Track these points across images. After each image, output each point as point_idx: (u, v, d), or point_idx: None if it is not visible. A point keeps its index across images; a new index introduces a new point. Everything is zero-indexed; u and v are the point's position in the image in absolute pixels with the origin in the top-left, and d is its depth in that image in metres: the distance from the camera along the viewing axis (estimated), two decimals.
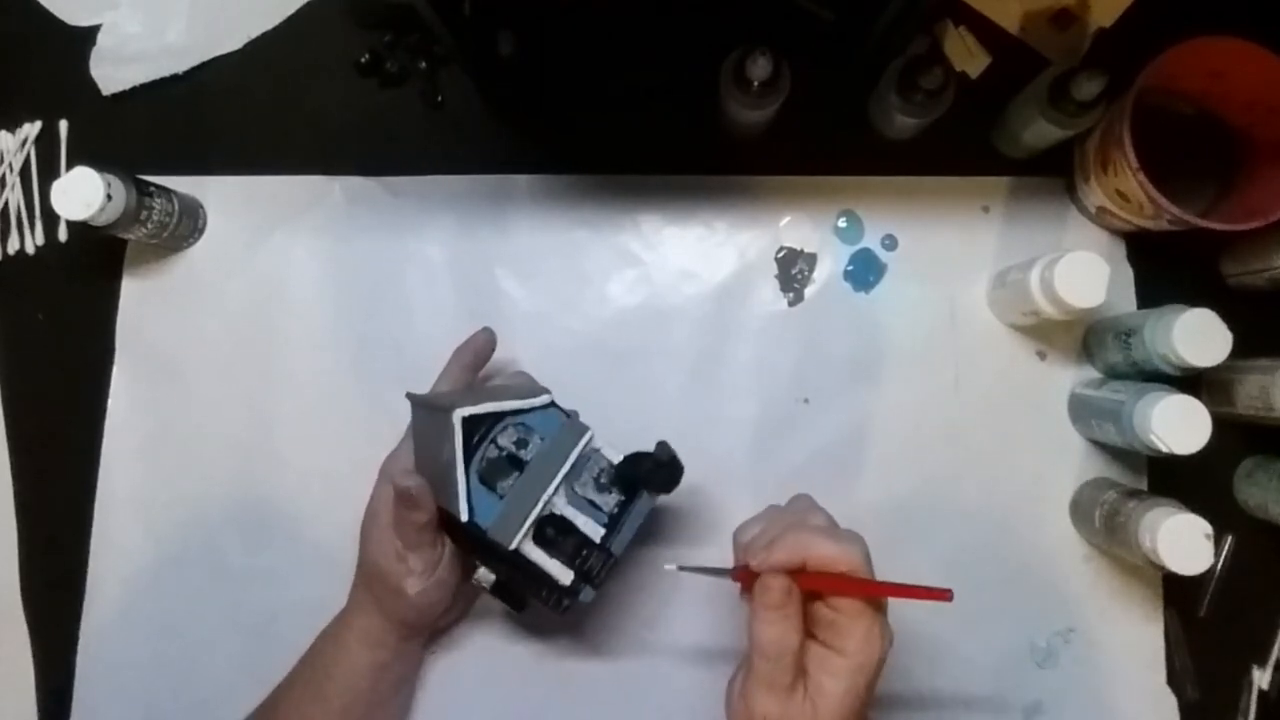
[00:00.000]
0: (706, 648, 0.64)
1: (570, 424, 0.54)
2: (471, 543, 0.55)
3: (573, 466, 0.52)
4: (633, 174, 0.69)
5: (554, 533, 0.51)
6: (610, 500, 0.53)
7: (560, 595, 0.52)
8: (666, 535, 0.65)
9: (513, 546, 0.50)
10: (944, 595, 0.44)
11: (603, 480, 0.53)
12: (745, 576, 0.48)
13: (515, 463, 0.52)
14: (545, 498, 0.51)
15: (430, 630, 0.62)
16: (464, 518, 0.50)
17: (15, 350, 0.71)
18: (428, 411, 0.57)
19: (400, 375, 0.68)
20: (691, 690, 0.63)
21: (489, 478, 0.52)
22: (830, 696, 0.44)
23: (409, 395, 0.59)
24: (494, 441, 0.52)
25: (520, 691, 0.64)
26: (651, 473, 0.52)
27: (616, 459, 0.53)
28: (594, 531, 0.52)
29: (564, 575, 0.50)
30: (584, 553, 0.51)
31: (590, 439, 0.53)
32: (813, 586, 0.46)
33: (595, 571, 0.51)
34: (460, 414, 0.51)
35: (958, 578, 0.63)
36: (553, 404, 0.54)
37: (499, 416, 0.53)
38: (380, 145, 0.70)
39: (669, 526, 0.66)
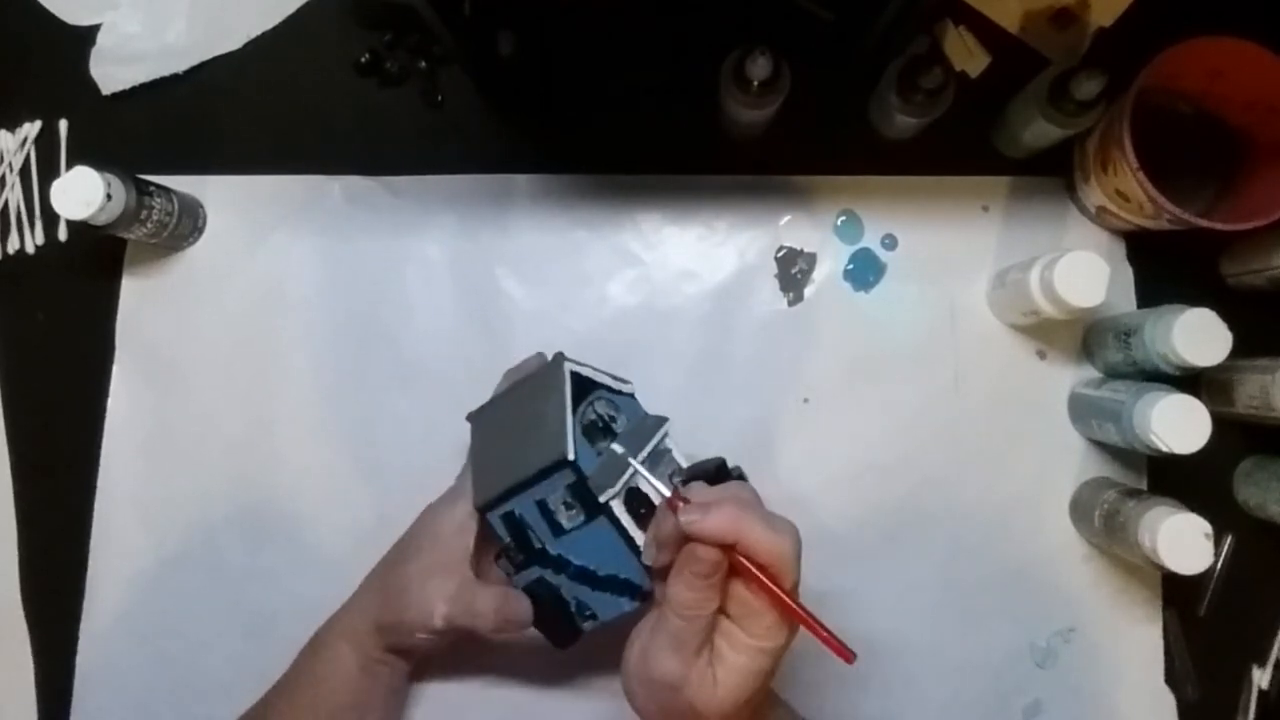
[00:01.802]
0: None
1: (650, 415, 0.55)
2: (528, 547, 0.54)
3: (651, 454, 0.52)
4: (633, 174, 0.69)
5: (638, 507, 0.51)
6: None
7: (632, 590, 0.52)
8: None
9: (612, 494, 0.49)
10: (848, 656, 0.43)
11: (674, 480, 0.53)
12: (672, 507, 0.46)
13: (610, 432, 0.53)
14: (636, 463, 0.50)
15: (414, 653, 0.60)
16: (570, 455, 0.49)
17: (15, 350, 0.71)
18: (506, 396, 0.57)
19: (400, 375, 0.68)
20: None
21: (588, 435, 0.52)
22: (732, 670, 0.43)
23: (469, 416, 0.59)
24: (592, 405, 0.53)
25: (508, 708, 0.64)
26: (720, 475, 0.52)
27: (684, 463, 0.54)
28: None
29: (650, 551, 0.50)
30: None
31: (667, 432, 0.54)
32: (741, 574, 0.44)
33: None
34: (570, 368, 0.53)
35: (958, 578, 0.65)
36: (634, 393, 0.56)
37: (595, 385, 0.54)
38: (380, 145, 0.70)
39: None
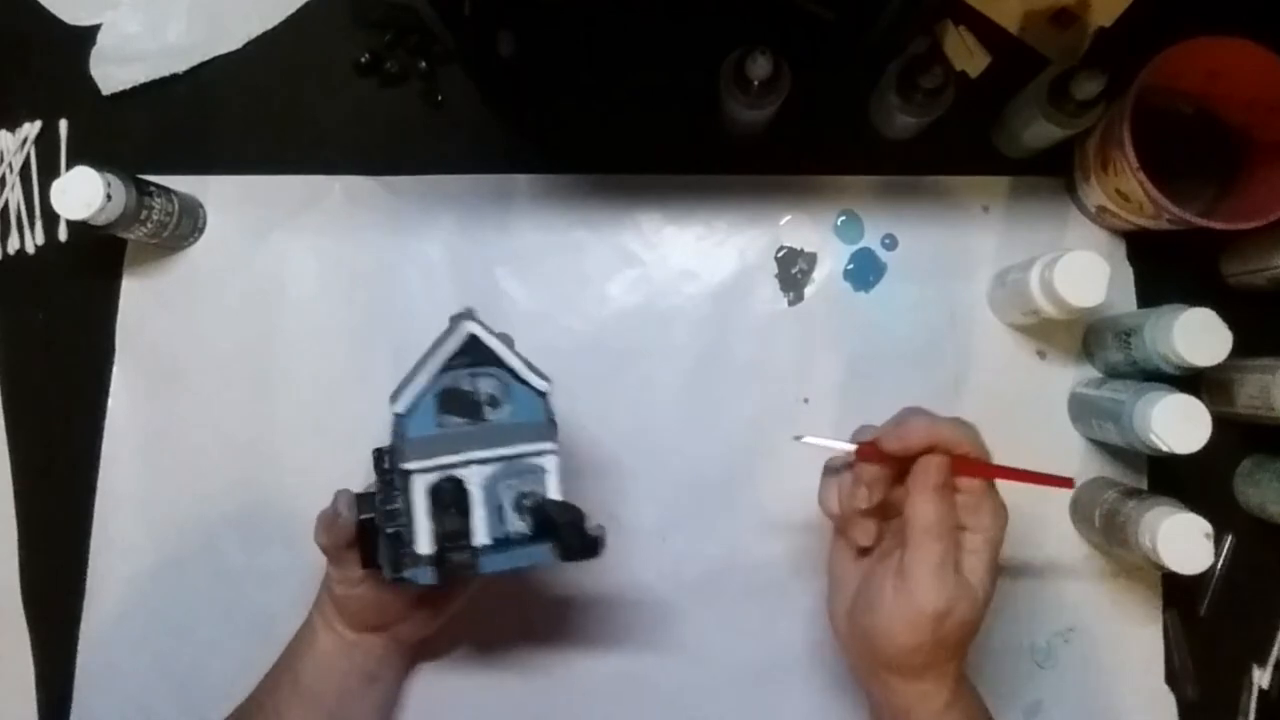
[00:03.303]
0: (702, 662, 0.64)
1: (546, 425, 0.50)
2: (379, 465, 0.51)
3: (514, 462, 0.48)
4: (633, 174, 0.69)
5: (450, 500, 0.47)
6: (517, 524, 0.49)
7: (403, 557, 0.48)
8: (668, 535, 0.65)
9: (409, 468, 0.46)
10: (1068, 483, 0.49)
11: (525, 502, 0.49)
12: (869, 453, 0.49)
13: (473, 412, 0.49)
14: (470, 460, 0.47)
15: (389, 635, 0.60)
16: (400, 409, 0.47)
17: (15, 350, 0.70)
18: (452, 320, 0.52)
19: (400, 375, 0.68)
20: (683, 701, 0.63)
21: (444, 402, 0.48)
22: (979, 573, 0.47)
23: (451, 316, 0.53)
24: (474, 377, 0.49)
25: (507, 705, 0.64)
26: (568, 528, 0.47)
27: (554, 495, 0.49)
28: (481, 534, 0.47)
29: (424, 542, 0.47)
30: (459, 541, 0.47)
31: (550, 454, 0.49)
32: (958, 469, 0.48)
33: (451, 565, 0.47)
34: (470, 328, 0.48)
35: None
36: (545, 396, 0.50)
37: (497, 360, 0.49)
38: (380, 145, 0.70)
39: (671, 526, 0.65)
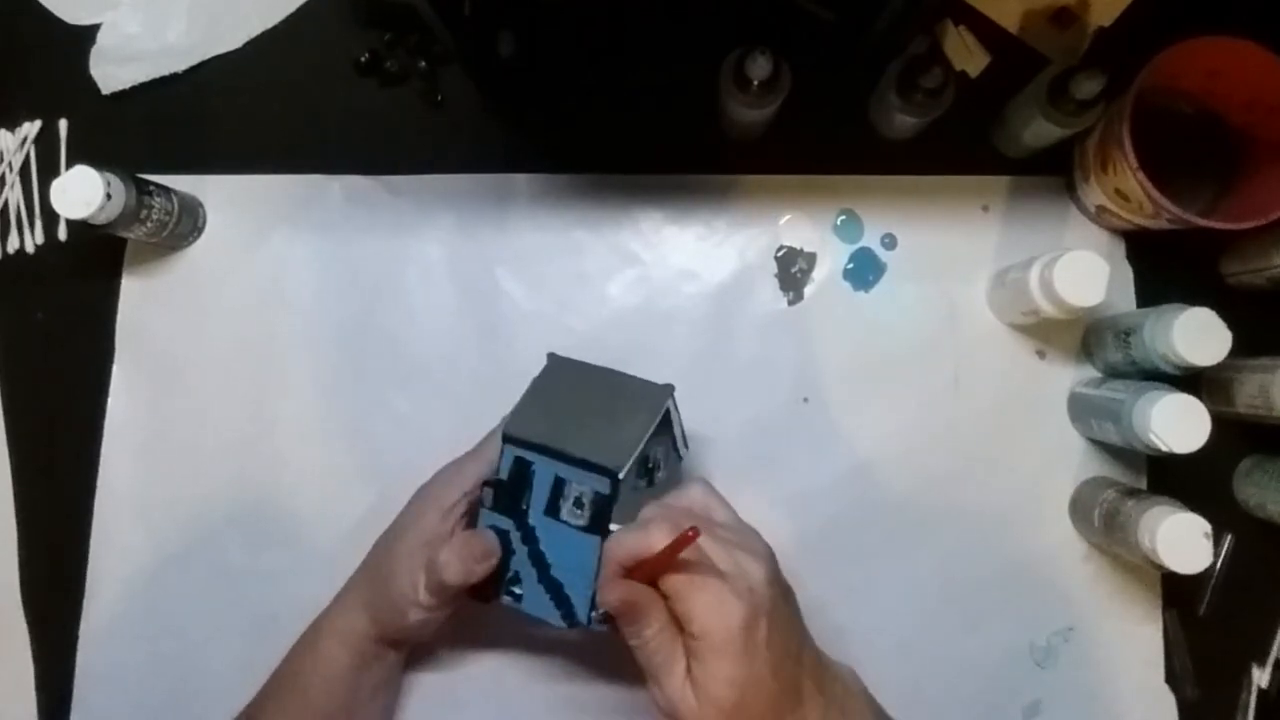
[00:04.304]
0: None
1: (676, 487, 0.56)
2: (516, 496, 0.53)
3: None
4: (633, 174, 0.69)
5: None
6: None
7: (579, 605, 0.51)
8: None
9: (617, 527, 0.50)
10: (691, 536, 0.43)
11: None
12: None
13: (651, 476, 0.54)
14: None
15: (409, 644, 0.61)
16: (621, 474, 0.50)
17: (15, 350, 0.71)
18: (599, 373, 0.56)
19: (400, 375, 0.68)
20: None
21: (638, 465, 0.52)
22: (703, 683, 0.43)
23: (552, 354, 0.57)
24: (656, 445, 0.54)
25: (507, 713, 0.64)
26: None
27: None
28: None
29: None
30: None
31: None
32: (635, 578, 0.46)
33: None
34: (670, 405, 0.53)
35: (958, 578, 0.65)
36: (681, 460, 0.57)
37: (670, 429, 0.54)
38: (380, 145, 0.70)
39: None
